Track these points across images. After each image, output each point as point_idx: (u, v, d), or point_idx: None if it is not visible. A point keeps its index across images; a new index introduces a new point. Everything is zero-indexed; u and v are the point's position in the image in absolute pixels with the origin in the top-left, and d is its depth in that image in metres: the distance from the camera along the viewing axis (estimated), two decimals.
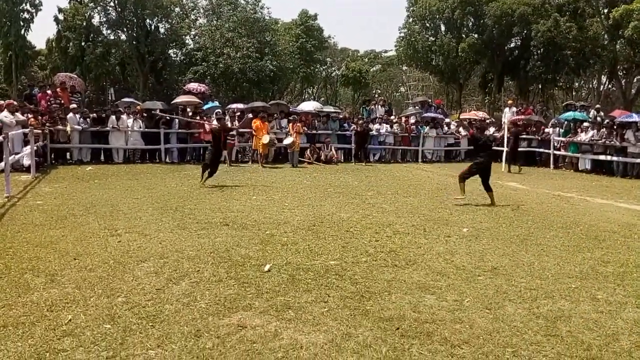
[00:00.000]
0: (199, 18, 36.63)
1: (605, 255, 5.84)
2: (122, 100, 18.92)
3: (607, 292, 4.57)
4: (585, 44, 29.64)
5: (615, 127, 15.92)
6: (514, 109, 21.99)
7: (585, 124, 17.14)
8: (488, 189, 9.07)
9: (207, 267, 4.94)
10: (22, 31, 32.09)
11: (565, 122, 18.16)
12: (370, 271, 4.97)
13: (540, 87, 35.14)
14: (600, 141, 15.94)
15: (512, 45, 34.34)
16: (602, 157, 15.91)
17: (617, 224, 7.76)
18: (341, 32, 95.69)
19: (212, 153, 10.97)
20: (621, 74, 32.04)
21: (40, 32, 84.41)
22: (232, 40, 31.96)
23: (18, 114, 13.30)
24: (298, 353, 3.26)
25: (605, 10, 29.03)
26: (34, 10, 32.36)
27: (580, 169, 16.58)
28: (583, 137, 16.69)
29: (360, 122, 18.13)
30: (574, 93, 40.05)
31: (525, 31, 31.13)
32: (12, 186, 9.10)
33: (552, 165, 17.44)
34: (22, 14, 31.94)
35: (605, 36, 30.09)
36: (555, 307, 4.16)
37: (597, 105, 20.56)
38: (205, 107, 17.98)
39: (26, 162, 12.02)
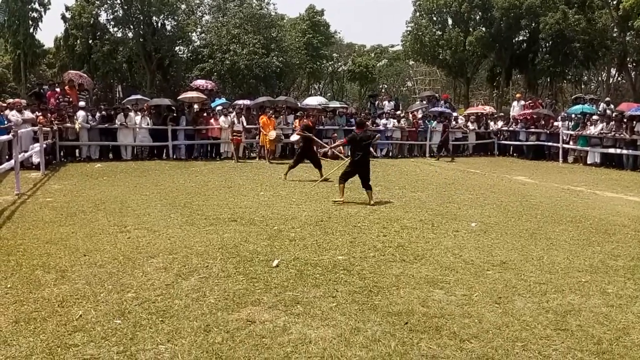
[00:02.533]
0: (205, 15, 36.66)
1: (616, 249, 5.80)
2: (130, 98, 18.97)
3: (617, 285, 4.53)
4: (594, 36, 29.30)
5: (625, 120, 15.75)
6: (522, 102, 21.85)
7: (595, 117, 16.97)
8: (367, 187, 8.45)
9: (215, 263, 4.96)
10: (31, 30, 32.30)
11: (575, 116, 17.99)
12: (378, 266, 4.97)
13: (548, 80, 34.77)
14: (609, 134, 15.78)
15: (520, 38, 33.99)
16: (611, 151, 15.76)
17: (627, 217, 7.69)
18: (348, 27, 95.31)
19: (302, 149, 11.86)
20: (631, 66, 31.65)
21: (49, 31, 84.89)
22: (238, 37, 31.94)
23: (27, 112, 13.40)
24: (307, 348, 3.27)
25: (615, 2, 28.65)
26: (42, 9, 32.59)
27: (589, 162, 16.44)
28: (592, 130, 16.53)
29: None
30: (583, 86, 39.66)
31: (533, 24, 30.81)
32: (22, 184, 9.19)
33: (561, 159, 17.30)
34: (30, 13, 32.14)
35: (615, 28, 29.73)
36: (565, 301, 4.14)
37: (607, 98, 20.37)
38: (213, 104, 18.02)
39: (35, 159, 12.13)
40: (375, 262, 5.11)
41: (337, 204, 8.32)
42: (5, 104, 13.67)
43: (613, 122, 15.91)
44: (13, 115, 12.88)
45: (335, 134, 17.63)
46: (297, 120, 16.78)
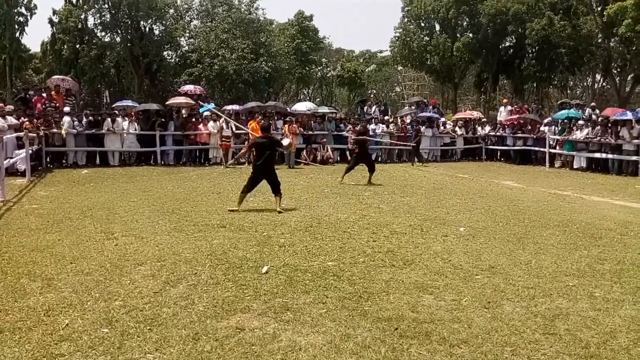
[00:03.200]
0: (193, 20, 36.56)
1: (602, 252, 5.86)
2: (119, 103, 18.80)
3: (604, 289, 4.58)
4: (579, 42, 29.73)
5: (610, 124, 15.98)
6: (509, 107, 22.08)
7: (580, 121, 17.20)
8: (277, 193, 8.16)
9: (204, 270, 4.92)
10: (17, 34, 31.97)
11: (561, 121, 18.22)
12: (368, 272, 4.97)
13: (535, 85, 35.20)
14: (595, 139, 15.99)
15: (507, 44, 34.37)
16: (597, 155, 15.97)
17: (613, 221, 7.78)
18: (336, 32, 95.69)
19: (358, 153, 12.36)
20: (615, 72, 32.15)
21: (36, 35, 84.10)
22: (226, 42, 31.89)
23: (11, 118, 13.22)
24: (297, 355, 3.26)
25: (599, 8, 29.13)
26: (28, 14, 32.29)
27: (575, 167, 16.64)
28: (578, 135, 16.75)
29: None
30: (568, 91, 40.18)
31: (519, 30, 31.19)
32: (7, 190, 9.06)
33: (547, 164, 17.49)
34: (16, 17, 31.81)
35: (600, 34, 30.21)
36: (553, 305, 4.17)
37: (593, 104, 20.67)
38: (201, 110, 17.96)
39: (21, 167, 11.97)
40: (365, 267, 5.11)
41: (232, 212, 7.87)
42: None
43: (598, 127, 16.13)
44: None
45: (325, 139, 17.66)
46: (286, 126, 16.79)
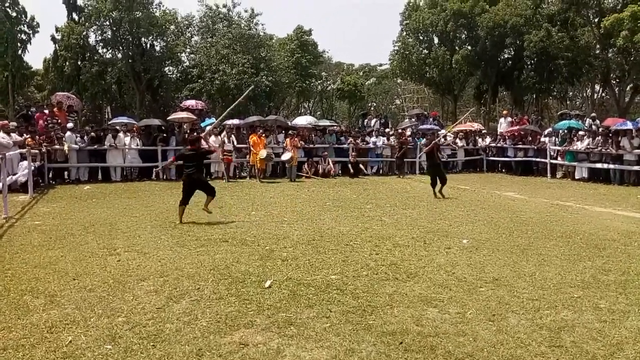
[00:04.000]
0: (194, 35, 36.91)
1: (606, 263, 5.84)
2: (116, 120, 18.73)
3: (609, 300, 4.55)
4: (577, 54, 29.93)
5: (610, 135, 16.00)
6: (509, 119, 22.14)
7: (581, 132, 17.23)
8: (210, 193, 8.54)
9: (207, 285, 4.91)
10: (20, 52, 32.28)
11: (562, 132, 18.25)
12: (371, 285, 4.95)
13: (534, 96, 35.36)
14: (596, 149, 16.01)
15: (506, 56, 34.62)
16: (598, 166, 15.98)
17: (616, 232, 7.76)
18: (336, 46, 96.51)
19: (432, 166, 12.25)
20: (614, 82, 32.30)
21: (38, 52, 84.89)
22: (227, 57, 32.16)
23: (15, 135, 13.29)
24: None
25: (596, 20, 29.37)
26: (31, 32, 32.64)
27: (577, 177, 16.63)
28: (579, 145, 16.77)
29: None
30: (568, 102, 40.33)
31: (517, 42, 31.43)
32: (10, 207, 9.07)
33: (549, 175, 17.49)
34: (19, 34, 32.15)
35: (597, 45, 30.41)
36: (559, 317, 4.15)
37: (593, 114, 20.69)
38: (203, 124, 18.02)
39: (22, 179, 11.98)
40: (368, 281, 5.09)
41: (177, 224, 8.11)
42: None
43: (599, 137, 16.16)
44: (3, 137, 12.77)
45: (326, 152, 17.69)
46: (287, 139, 16.84)
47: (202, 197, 8.64)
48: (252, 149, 15.85)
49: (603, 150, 15.75)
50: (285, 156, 16.28)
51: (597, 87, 36.60)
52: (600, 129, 17.03)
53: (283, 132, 17.91)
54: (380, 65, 52.31)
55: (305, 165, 17.14)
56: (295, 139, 16.87)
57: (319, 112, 49.54)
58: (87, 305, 4.34)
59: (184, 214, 8.36)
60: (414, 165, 19.33)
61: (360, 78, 50.41)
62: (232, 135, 16.60)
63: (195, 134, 11.30)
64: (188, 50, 35.72)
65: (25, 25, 32.38)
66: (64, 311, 4.21)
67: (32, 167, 12.03)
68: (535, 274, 5.37)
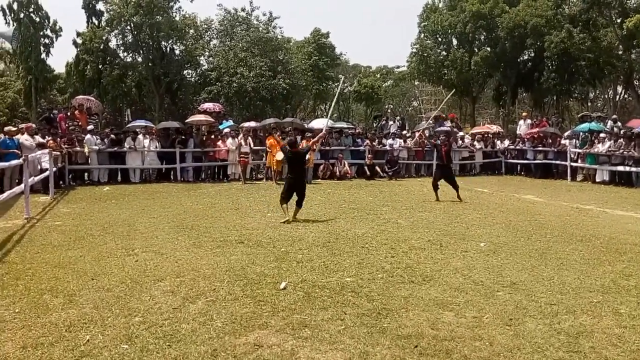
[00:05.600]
0: (212, 39, 37.23)
1: (627, 268, 5.72)
2: (134, 123, 18.84)
3: (630, 306, 4.46)
4: (599, 55, 29.39)
5: (633, 137, 15.67)
6: (529, 121, 21.86)
7: (602, 134, 16.91)
8: (298, 204, 8.79)
9: (222, 286, 4.94)
10: (42, 55, 32.93)
11: (582, 134, 17.94)
12: (386, 288, 4.92)
13: (555, 98, 34.79)
14: (618, 152, 15.69)
15: (526, 57, 34.15)
16: (620, 168, 15.65)
17: (638, 235, 7.59)
18: (353, 48, 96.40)
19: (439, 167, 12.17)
20: (637, 83, 31.66)
21: (60, 56, 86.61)
22: (245, 60, 32.37)
23: (38, 137, 13.59)
24: None
25: (619, 20, 28.82)
26: (53, 36, 33.25)
27: (597, 180, 16.32)
28: (600, 148, 16.46)
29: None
30: (589, 104, 39.63)
31: (538, 43, 30.96)
32: (32, 207, 9.26)
33: (569, 177, 17.20)
34: (42, 39, 32.81)
35: (620, 46, 29.83)
36: (577, 322, 4.07)
37: (614, 116, 20.32)
38: (221, 126, 18.18)
39: (44, 164, 12.25)
40: (384, 283, 5.07)
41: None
42: (16, 129, 13.83)
43: (621, 140, 15.83)
44: (26, 139, 13.05)
45: (342, 154, 17.67)
46: (303, 141, 16.86)
47: (219, 199, 8.70)
48: (269, 150, 15.91)
49: (625, 152, 15.43)
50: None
51: (619, 88, 35.93)
52: (623, 131, 16.69)
53: (300, 134, 17.94)
54: (398, 67, 52.13)
55: (321, 168, 17.14)
56: (312, 141, 16.86)
57: (335, 115, 49.47)
58: (105, 305, 4.40)
59: (287, 210, 8.68)
60: (430, 167, 19.20)
61: (377, 80, 50.26)
62: (249, 138, 16.69)
63: (291, 138, 11.24)
64: (207, 53, 36.04)
65: (48, 30, 33.01)
66: (82, 310, 4.28)
67: (54, 169, 12.26)
68: (554, 278, 5.29)
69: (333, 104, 12.54)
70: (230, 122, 19.81)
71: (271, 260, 5.94)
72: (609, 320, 4.13)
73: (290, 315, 4.19)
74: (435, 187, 11.63)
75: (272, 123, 18.53)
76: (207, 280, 5.11)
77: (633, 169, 15.24)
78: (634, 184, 15.10)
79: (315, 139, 11.34)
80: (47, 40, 33.09)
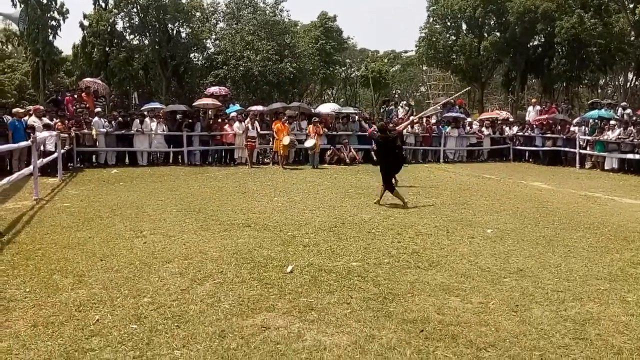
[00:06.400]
0: (219, 22, 37.03)
1: (635, 256, 5.70)
2: (146, 106, 19.10)
3: (637, 294, 4.45)
4: (611, 41, 28.96)
5: None
6: (538, 107, 21.65)
7: (612, 122, 16.73)
8: (388, 187, 8.82)
9: (230, 268, 4.98)
10: (50, 37, 32.88)
11: (592, 121, 17.76)
12: (392, 273, 4.94)
13: (564, 85, 34.41)
14: (628, 139, 15.53)
15: (536, 42, 33.71)
16: (629, 156, 15.51)
17: None
18: (361, 33, 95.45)
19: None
20: None
21: (68, 39, 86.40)
22: (252, 44, 32.21)
23: (45, 119, 13.64)
24: (322, 354, 3.26)
25: (631, 6, 28.31)
26: (60, 18, 33.15)
27: (606, 168, 16.19)
28: (610, 135, 16.30)
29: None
30: (599, 90, 39.18)
31: (548, 28, 30.53)
32: (41, 189, 9.33)
33: (577, 165, 17.08)
34: (50, 21, 32.72)
35: (632, 32, 29.36)
36: (584, 309, 4.07)
37: (624, 103, 20.06)
38: (228, 110, 18.14)
39: (49, 147, 12.28)
40: (390, 268, 5.08)
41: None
42: (24, 110, 13.89)
43: (631, 127, 15.66)
44: (35, 121, 13.11)
45: (347, 140, 17.61)
46: (310, 126, 16.83)
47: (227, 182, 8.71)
48: (275, 135, 15.90)
49: (635, 140, 15.27)
50: (308, 143, 16.27)
51: (630, 75, 35.44)
52: (633, 119, 16.51)
53: (306, 119, 17.89)
54: (406, 52, 51.71)
55: (328, 153, 17.12)
56: (319, 125, 16.83)
57: (342, 99, 49.27)
58: (114, 286, 4.45)
59: (400, 195, 8.71)
60: (437, 153, 19.14)
61: (384, 65, 49.89)
62: (256, 122, 16.66)
63: (382, 123, 10.82)
64: (213, 36, 35.89)
65: (55, 12, 32.90)
66: (91, 291, 4.33)
67: (62, 151, 12.32)
68: (561, 265, 5.28)
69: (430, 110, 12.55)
70: (238, 107, 19.76)
71: (278, 244, 5.97)
72: (615, 307, 4.13)
73: (296, 298, 4.22)
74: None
75: (279, 108, 18.46)
76: (215, 263, 5.15)
77: None
78: None
79: (405, 123, 11.33)
80: (54, 23, 33.00)
